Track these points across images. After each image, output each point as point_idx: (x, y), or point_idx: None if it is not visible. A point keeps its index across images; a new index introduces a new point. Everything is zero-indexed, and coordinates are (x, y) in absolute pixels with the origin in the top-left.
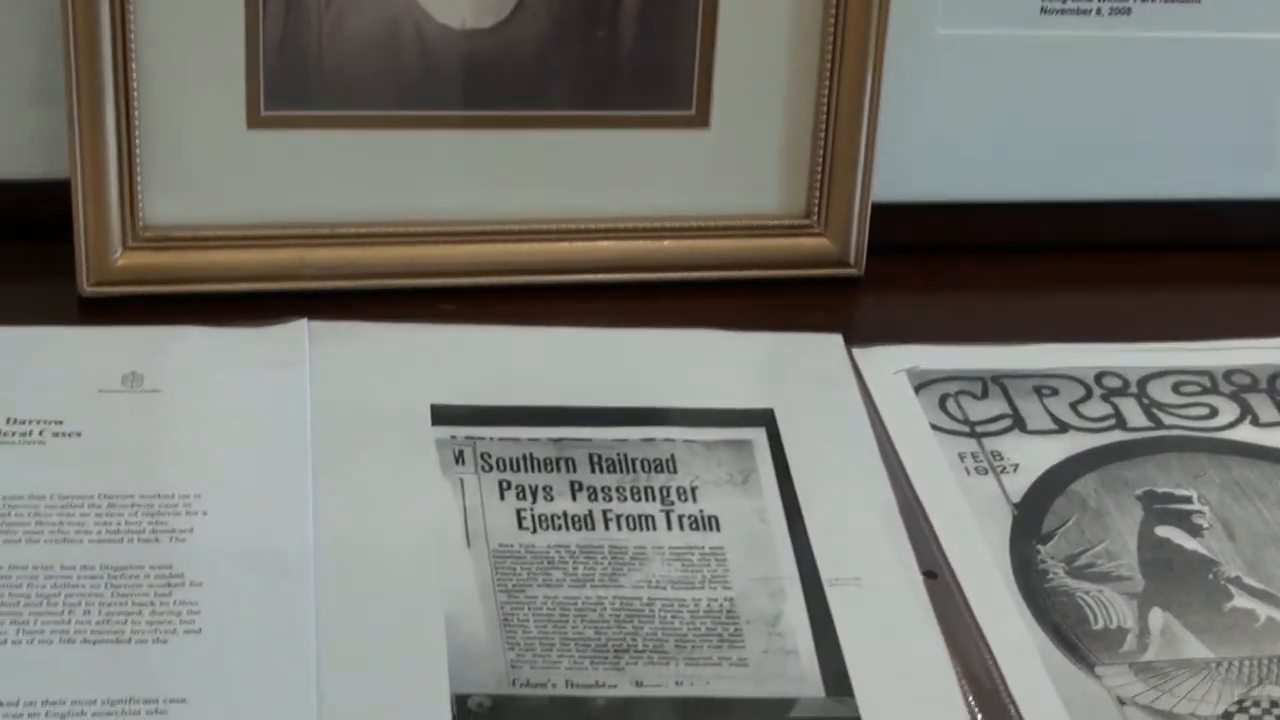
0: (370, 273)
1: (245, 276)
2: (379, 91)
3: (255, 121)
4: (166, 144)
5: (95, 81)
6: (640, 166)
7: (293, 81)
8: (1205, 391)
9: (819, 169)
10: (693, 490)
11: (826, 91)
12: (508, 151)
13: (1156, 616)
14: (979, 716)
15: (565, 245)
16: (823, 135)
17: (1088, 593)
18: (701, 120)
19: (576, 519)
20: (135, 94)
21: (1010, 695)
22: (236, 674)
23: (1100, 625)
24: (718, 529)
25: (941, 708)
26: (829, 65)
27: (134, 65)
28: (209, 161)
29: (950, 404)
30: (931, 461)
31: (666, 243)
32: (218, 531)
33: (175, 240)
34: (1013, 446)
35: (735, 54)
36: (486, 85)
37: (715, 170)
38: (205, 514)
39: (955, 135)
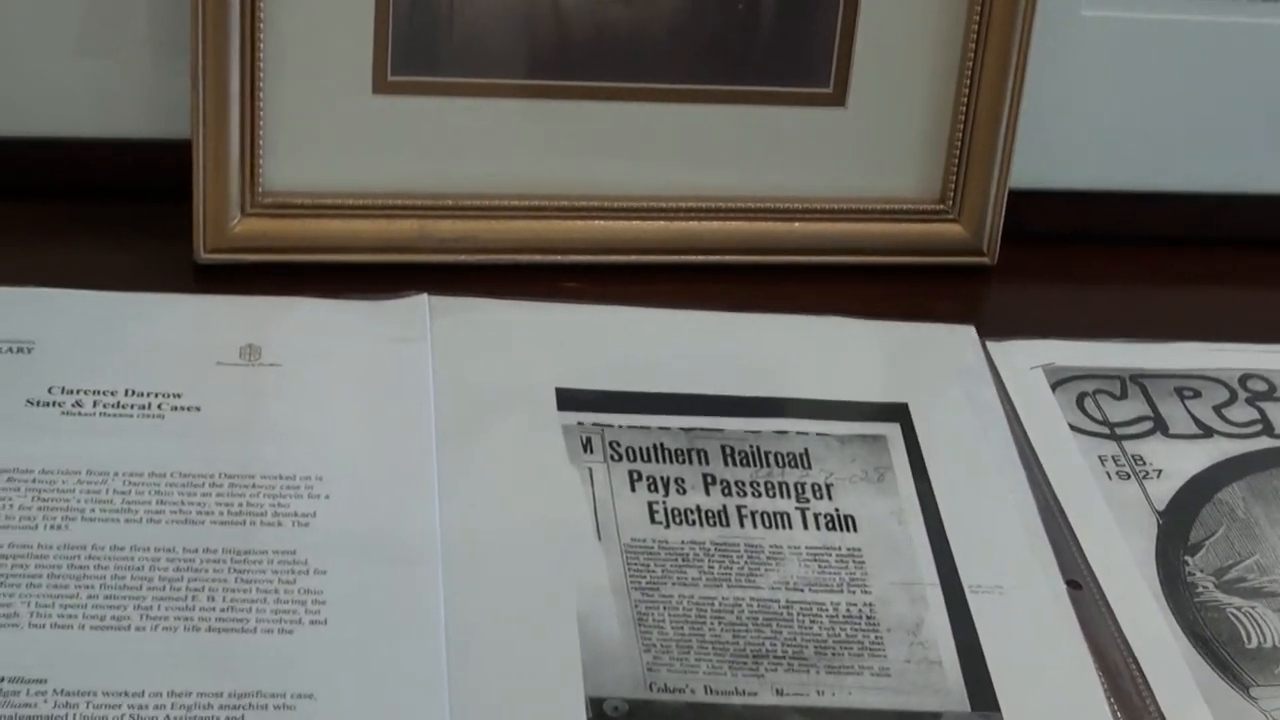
0: (492, 247)
1: (364, 247)
2: (510, 59)
3: (381, 86)
4: (290, 107)
5: (221, 41)
6: (773, 144)
7: (422, 46)
8: None
9: (956, 153)
10: (828, 487)
11: (969, 73)
12: (638, 125)
13: None
14: None
15: (694, 225)
16: (962, 118)
17: (1239, 609)
18: (839, 98)
19: (710, 514)
20: (261, 55)
21: (1161, 715)
22: (365, 669)
23: (1254, 644)
24: (854, 529)
25: None
26: (972, 46)
27: (261, 25)
28: (332, 126)
29: (1089, 403)
30: (1071, 464)
31: (797, 225)
32: (341, 516)
33: (294, 207)
34: (1155, 450)
35: (876, 31)
36: (620, 56)
37: (850, 151)
38: (327, 497)
39: (1096, 120)
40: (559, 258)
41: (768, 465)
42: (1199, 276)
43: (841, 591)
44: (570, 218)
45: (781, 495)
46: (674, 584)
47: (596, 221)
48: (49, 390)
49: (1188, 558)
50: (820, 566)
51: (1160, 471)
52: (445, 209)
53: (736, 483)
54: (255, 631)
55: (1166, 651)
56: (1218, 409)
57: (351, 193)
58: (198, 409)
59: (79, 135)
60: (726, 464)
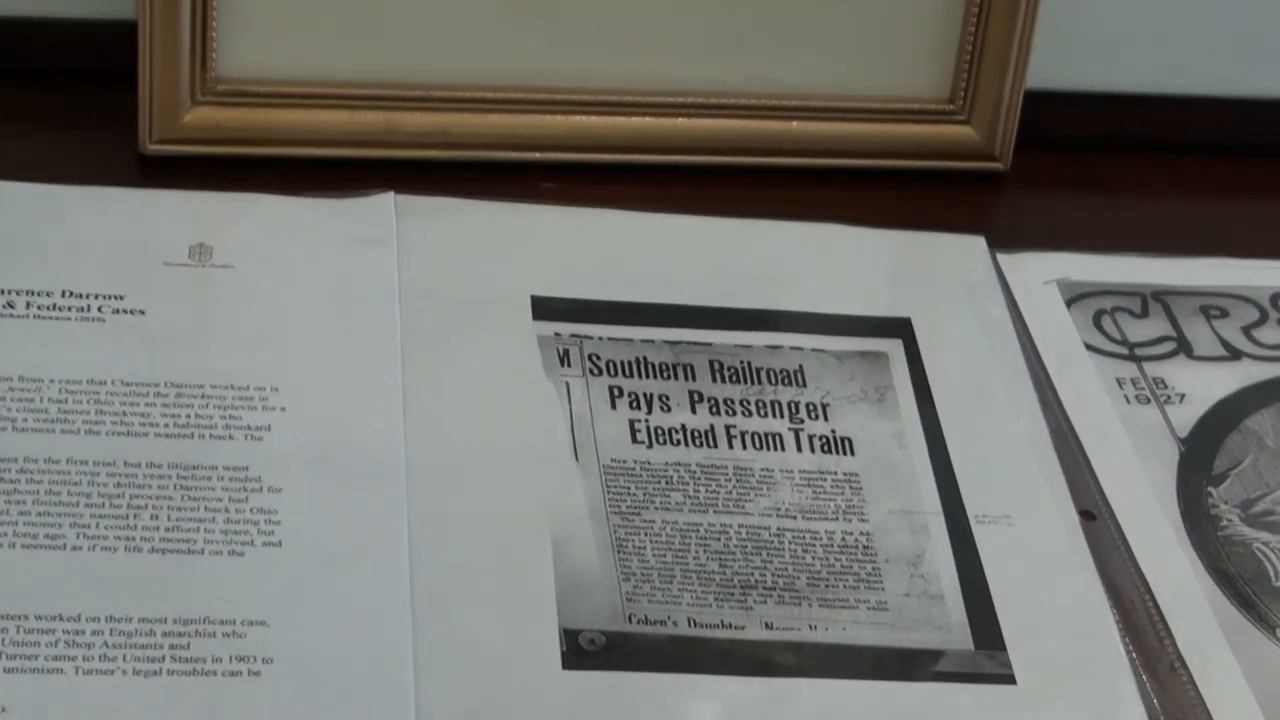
0: (464, 142)
1: (326, 140)
2: None
3: None
4: None
5: None
6: (769, 36)
7: None
8: None
9: (968, 49)
10: (823, 407)
11: None
12: (625, 12)
13: None
14: (1144, 678)
15: (684, 122)
16: (975, 11)
17: (1266, 544)
18: None
19: (697, 434)
20: None
21: (1180, 656)
22: (322, 596)
23: None
24: (851, 452)
25: (1103, 667)
26: None
27: None
28: (293, 7)
29: (1106, 322)
30: (1087, 386)
31: (795, 124)
32: (297, 430)
33: (250, 96)
34: (1178, 373)
35: None
36: None
37: (853, 44)
38: (283, 410)
39: (1120, 16)
40: (537, 155)
41: (759, 382)
42: (1229, 186)
43: (837, 519)
44: (550, 112)
45: (774, 415)
46: (656, 508)
47: (578, 117)
48: None
49: (1211, 489)
50: (814, 492)
51: (1183, 396)
52: (415, 100)
53: (725, 401)
54: (203, 553)
55: (1186, 589)
56: (1246, 330)
57: (313, 80)
58: (142, 312)
59: (13, 14)
60: (715, 380)
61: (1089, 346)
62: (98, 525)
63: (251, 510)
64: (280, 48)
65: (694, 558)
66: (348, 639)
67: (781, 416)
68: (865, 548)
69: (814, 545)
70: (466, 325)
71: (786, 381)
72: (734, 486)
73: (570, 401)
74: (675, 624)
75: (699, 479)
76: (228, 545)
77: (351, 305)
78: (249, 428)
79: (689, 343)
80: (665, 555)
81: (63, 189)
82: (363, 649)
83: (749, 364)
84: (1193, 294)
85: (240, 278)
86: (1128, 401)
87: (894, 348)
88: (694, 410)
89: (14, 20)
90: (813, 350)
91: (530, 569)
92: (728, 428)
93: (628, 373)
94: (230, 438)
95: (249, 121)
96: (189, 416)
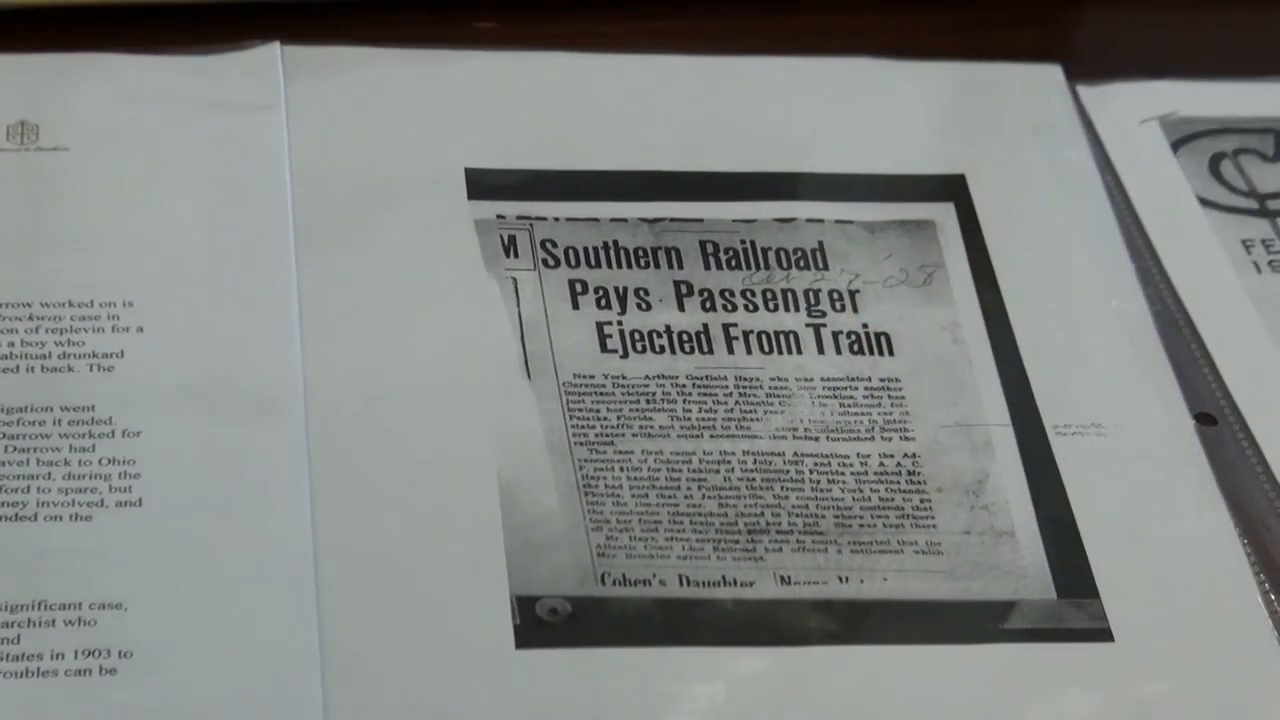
0: None
1: None
2: None
3: None
4: None
5: None
6: None
7: None
8: None
9: None
10: (851, 295)
11: None
12: None
13: None
14: None
15: None
16: None
17: None
18: None
19: (686, 337)
20: None
21: None
22: (196, 570)
23: None
24: (890, 351)
25: (1228, 615)
26: None
27: None
28: None
29: (1227, 168)
30: (1203, 253)
31: None
32: (160, 357)
33: None
34: None
35: None
36: None
37: None
38: (140, 330)
39: None
40: None
41: (766, 266)
42: None
43: (873, 438)
44: None
45: (786, 307)
46: (635, 436)
47: None
48: None
49: None
50: (842, 405)
51: None
52: None
53: (723, 292)
54: (35, 519)
55: None
56: None
57: None
58: None
59: None
60: (708, 267)
61: (1204, 201)
62: None
63: (100, 462)
64: None
65: (685, 497)
66: (231, 625)
67: (797, 309)
68: (911, 474)
69: (843, 474)
70: (380, 211)
71: (803, 264)
72: (736, 403)
73: (519, 302)
74: (663, 583)
75: (690, 395)
76: (69, 508)
77: (227, 192)
78: (94, 355)
79: (673, 219)
80: (647, 495)
81: None
82: (250, 637)
83: (752, 243)
84: None
85: (77, 163)
86: (1258, 270)
87: (944, 214)
88: (681, 306)
89: None
90: (836, 222)
91: (471, 522)
92: (726, 327)
93: (593, 262)
94: (69, 369)
95: None
96: (13, 345)
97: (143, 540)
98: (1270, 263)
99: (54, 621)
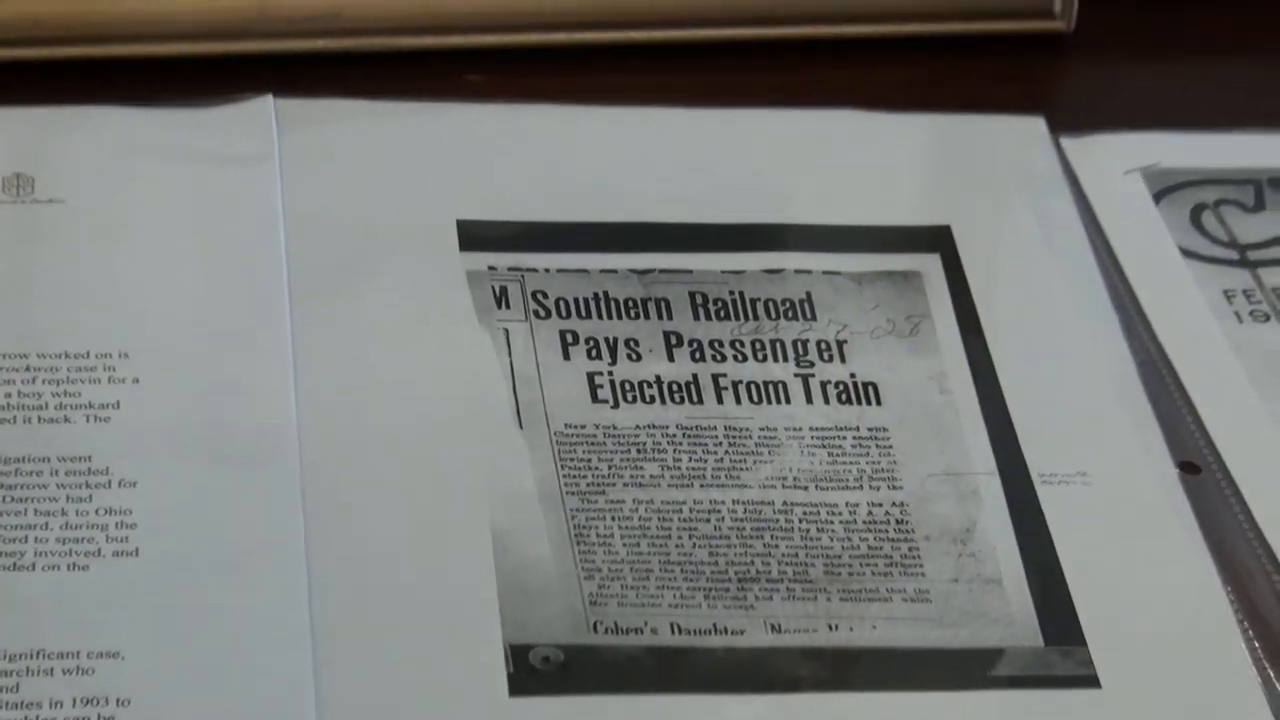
0: (361, 27)
1: (182, 33)
2: None
3: None
4: None
5: None
6: None
7: None
8: None
9: None
10: (839, 345)
11: None
12: None
13: None
14: (1271, 673)
15: None
16: None
17: None
18: None
19: (676, 387)
20: None
21: None
22: (192, 619)
23: None
24: (878, 401)
25: (1213, 662)
26: None
27: None
28: None
29: (1209, 219)
30: (1184, 302)
31: None
32: (155, 407)
33: None
34: None
35: None
36: None
37: None
38: (136, 381)
39: None
40: (458, 40)
41: (755, 317)
42: None
43: (861, 487)
44: None
45: (775, 358)
46: (626, 485)
47: None
48: None
49: None
50: (831, 454)
51: None
52: None
53: (712, 343)
54: (33, 569)
55: None
56: None
57: None
58: None
59: None
60: (697, 318)
61: (1186, 252)
62: None
63: (97, 511)
64: None
65: (676, 546)
66: (227, 673)
67: (785, 360)
68: (899, 522)
69: (832, 522)
70: (373, 262)
71: (790, 314)
72: (726, 452)
73: (511, 353)
74: (654, 631)
75: (680, 445)
76: (66, 557)
77: (222, 243)
78: (91, 406)
79: (662, 270)
80: (639, 544)
81: None
82: (247, 685)
83: (741, 294)
84: None
85: (72, 214)
86: (1239, 320)
87: (930, 265)
88: (671, 357)
89: None
90: (824, 273)
91: (465, 570)
92: (715, 377)
93: (584, 313)
94: (66, 420)
95: (81, 13)
96: (9, 395)
97: (139, 590)
98: (1251, 312)
99: (52, 670)
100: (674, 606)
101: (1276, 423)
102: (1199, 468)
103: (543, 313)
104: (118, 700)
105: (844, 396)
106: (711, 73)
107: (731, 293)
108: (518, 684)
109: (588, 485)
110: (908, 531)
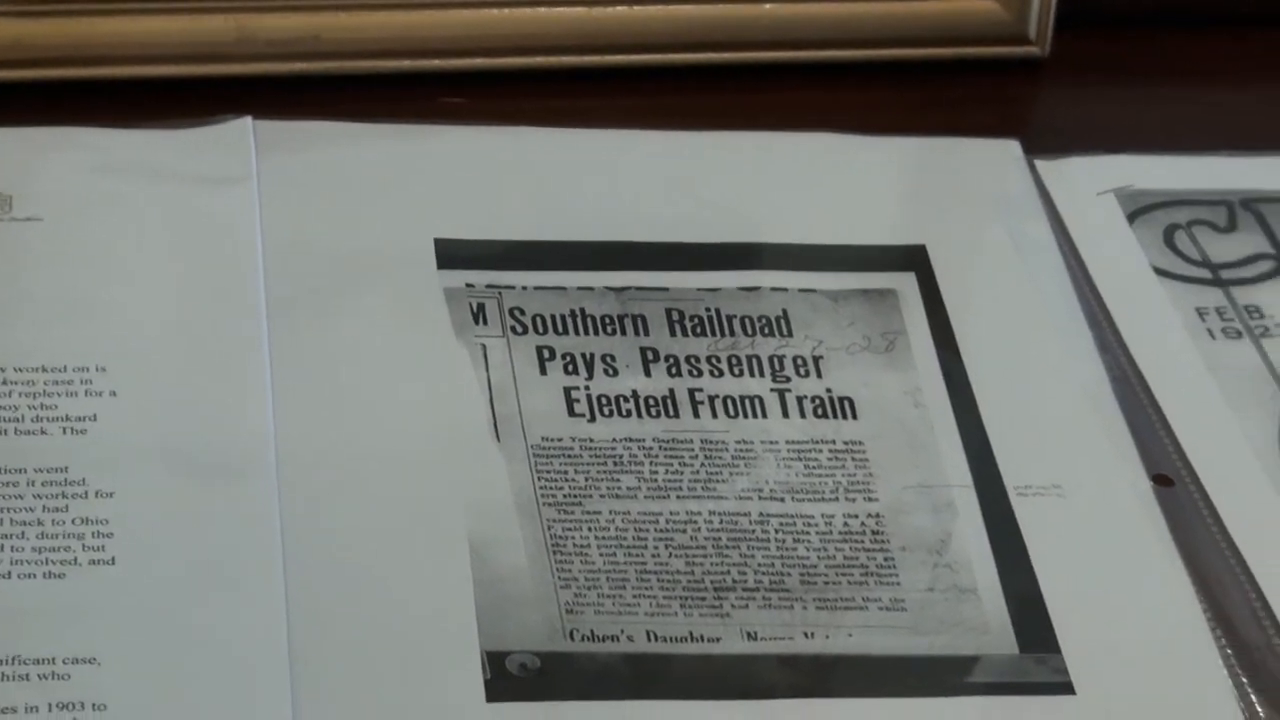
0: (339, 50)
1: (161, 55)
2: None
3: None
4: None
5: None
6: None
7: None
8: None
9: None
10: (815, 361)
11: None
12: None
13: None
14: (1244, 680)
15: (623, 11)
16: None
17: None
18: None
19: (653, 401)
20: None
21: None
22: (168, 625)
23: None
24: (853, 415)
25: (1187, 669)
26: None
27: None
28: None
29: (1182, 239)
30: (1158, 320)
31: (768, 7)
32: (132, 420)
33: (58, 2)
34: (1278, 299)
35: None
36: None
37: None
38: (113, 394)
39: None
40: (435, 63)
41: (731, 333)
42: None
43: (837, 499)
44: (450, 6)
45: (751, 373)
46: (602, 496)
47: (488, 10)
48: None
49: None
50: (807, 466)
51: None
52: None
53: (688, 359)
54: (10, 577)
55: None
56: None
57: None
58: None
59: None
60: (674, 334)
61: (1159, 271)
62: None
63: (74, 521)
64: None
65: (652, 555)
66: (204, 679)
67: (762, 375)
68: (875, 533)
69: (808, 533)
70: (351, 280)
71: (767, 331)
72: (702, 465)
73: (488, 368)
74: (630, 639)
75: (656, 458)
76: (43, 566)
77: (200, 262)
78: (68, 418)
79: (639, 288)
80: (615, 554)
81: None
82: (224, 691)
83: (717, 311)
84: None
85: (51, 232)
86: (1212, 336)
87: (905, 283)
88: (648, 372)
89: None
90: (800, 291)
91: (443, 580)
92: (692, 392)
93: (560, 329)
94: (43, 432)
95: (61, 36)
96: None
97: (116, 597)
98: (1224, 330)
99: (28, 675)
100: (650, 615)
101: (1249, 437)
102: (1172, 480)
103: (520, 329)
104: (93, 705)
105: (820, 411)
106: (689, 95)
107: (708, 309)
108: (495, 690)
109: (564, 497)
110: (883, 542)
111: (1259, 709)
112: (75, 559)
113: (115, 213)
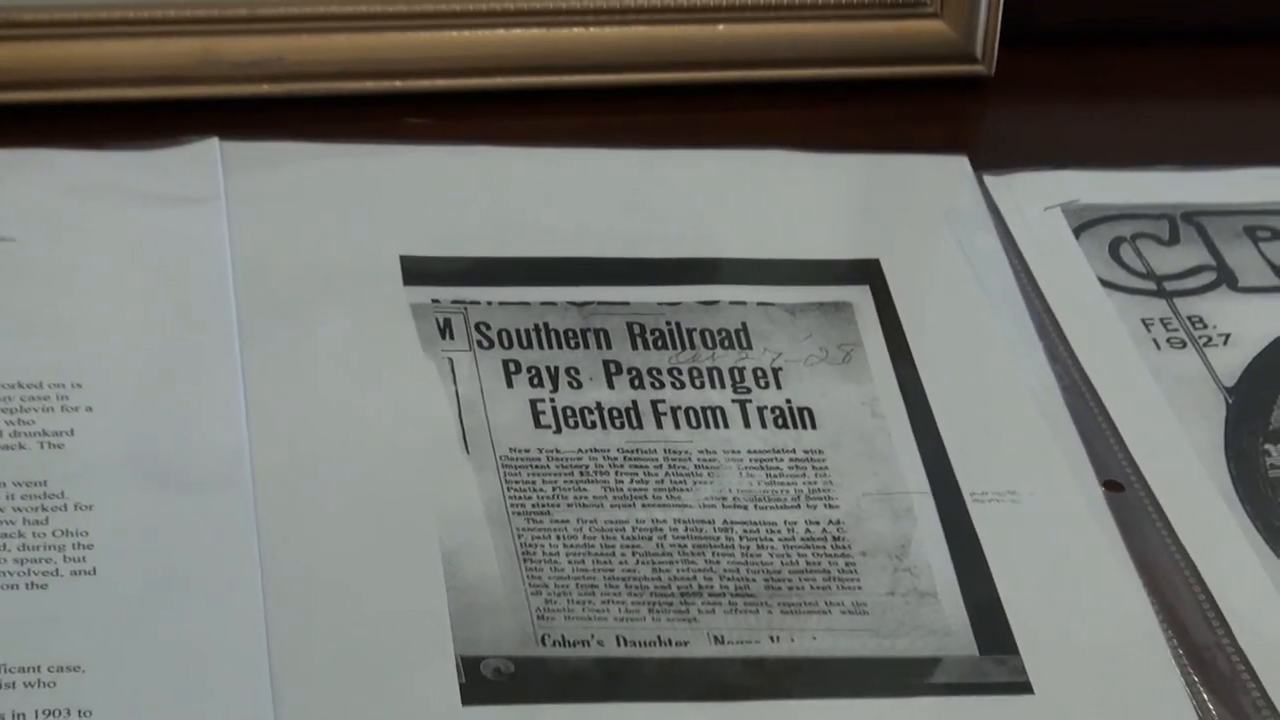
0: (304, 72)
1: (128, 78)
2: None
3: None
4: None
5: None
6: None
7: None
8: None
9: None
10: (774, 372)
11: None
12: None
13: None
14: (1195, 679)
15: (580, 33)
16: None
17: None
18: None
19: (616, 413)
20: None
21: (1239, 650)
22: (151, 632)
23: None
24: (812, 425)
25: (1140, 668)
26: None
27: None
28: None
29: (1126, 252)
30: (1105, 331)
31: (722, 28)
32: (109, 434)
33: (26, 26)
34: (1220, 309)
35: None
36: None
37: None
38: (89, 409)
39: None
40: (398, 84)
41: (692, 346)
42: (1270, 80)
43: (799, 506)
44: (412, 28)
45: (712, 385)
46: (570, 505)
47: (450, 33)
48: None
49: (1269, 446)
50: (768, 475)
51: (1228, 337)
52: (239, 22)
53: (650, 371)
54: None
55: (1243, 569)
56: None
57: (107, 3)
58: None
59: None
60: (636, 347)
61: (1105, 283)
62: None
63: (54, 533)
64: None
65: (620, 562)
66: (186, 686)
67: (723, 386)
68: (836, 539)
69: (771, 539)
70: (320, 297)
71: (727, 343)
72: (666, 474)
73: (456, 381)
74: (600, 644)
75: (621, 468)
76: (25, 576)
77: (171, 280)
78: (45, 433)
79: (601, 302)
80: (584, 561)
81: None
82: (206, 696)
83: (678, 325)
84: (1233, 212)
85: (22, 252)
86: (1157, 346)
87: (860, 296)
88: (611, 384)
89: None
90: (758, 304)
91: (416, 588)
92: (655, 403)
93: (525, 343)
94: (21, 447)
95: (28, 59)
96: None
97: (99, 606)
98: (1169, 340)
99: (14, 684)
100: (619, 620)
101: (1194, 443)
102: (1122, 486)
103: (486, 343)
104: (79, 712)
105: (780, 421)
106: (646, 114)
107: (669, 323)
108: (470, 693)
109: (533, 506)
110: (845, 548)
111: (1210, 706)
112: (57, 570)
113: (86, 232)
